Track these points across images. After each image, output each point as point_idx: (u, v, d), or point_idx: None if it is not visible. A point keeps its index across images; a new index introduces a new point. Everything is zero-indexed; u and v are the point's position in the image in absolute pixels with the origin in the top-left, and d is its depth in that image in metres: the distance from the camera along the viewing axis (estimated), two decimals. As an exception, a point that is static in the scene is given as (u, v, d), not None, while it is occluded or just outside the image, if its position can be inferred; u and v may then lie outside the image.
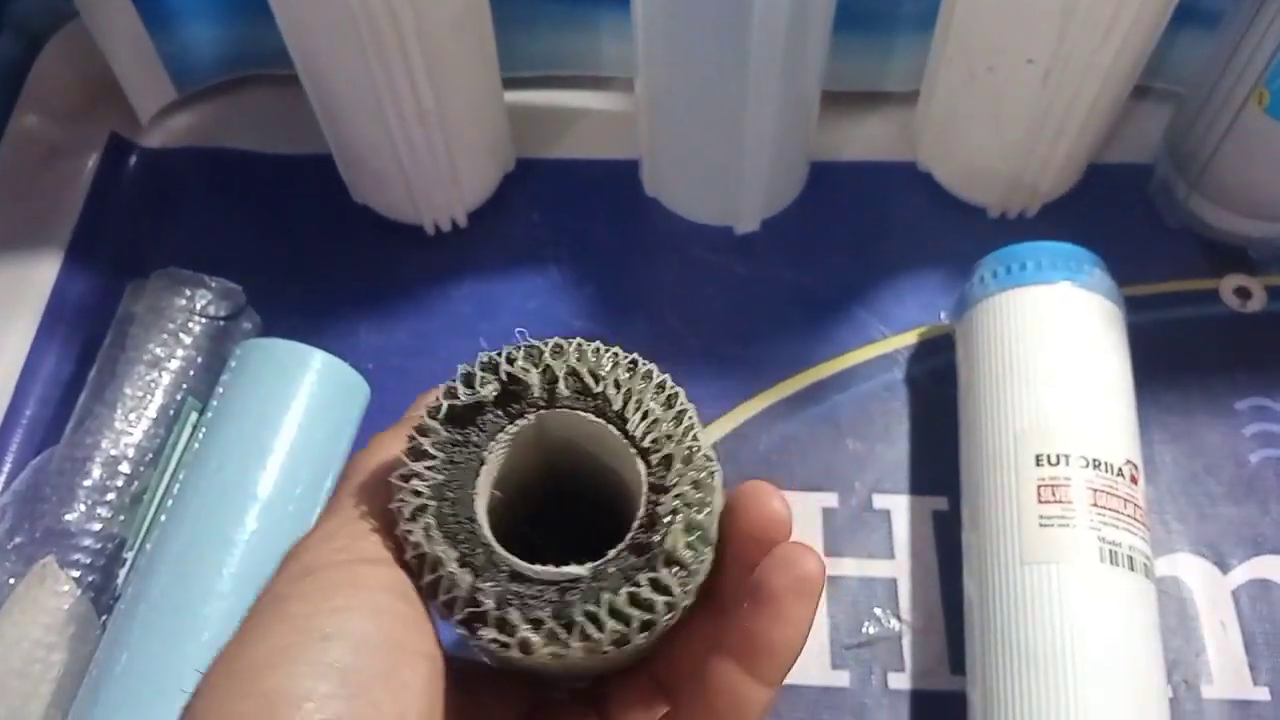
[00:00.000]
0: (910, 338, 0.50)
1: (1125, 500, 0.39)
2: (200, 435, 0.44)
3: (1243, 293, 0.50)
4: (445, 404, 0.23)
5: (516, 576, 0.22)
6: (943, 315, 0.50)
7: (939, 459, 0.46)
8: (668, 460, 0.23)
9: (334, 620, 0.20)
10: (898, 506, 0.46)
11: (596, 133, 0.57)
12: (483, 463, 0.23)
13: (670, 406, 0.23)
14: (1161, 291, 0.51)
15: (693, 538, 0.22)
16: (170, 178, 0.57)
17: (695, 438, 0.23)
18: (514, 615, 0.21)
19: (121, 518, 0.43)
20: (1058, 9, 0.41)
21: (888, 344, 0.50)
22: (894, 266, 0.52)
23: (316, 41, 0.45)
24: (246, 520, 0.41)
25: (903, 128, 0.55)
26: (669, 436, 0.23)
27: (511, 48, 0.52)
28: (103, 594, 0.42)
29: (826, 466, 0.47)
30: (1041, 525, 0.39)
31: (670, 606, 0.22)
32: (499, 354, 0.24)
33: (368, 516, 0.23)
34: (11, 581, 0.41)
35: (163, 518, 0.43)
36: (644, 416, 0.23)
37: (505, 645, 0.21)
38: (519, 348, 0.24)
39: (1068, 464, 0.39)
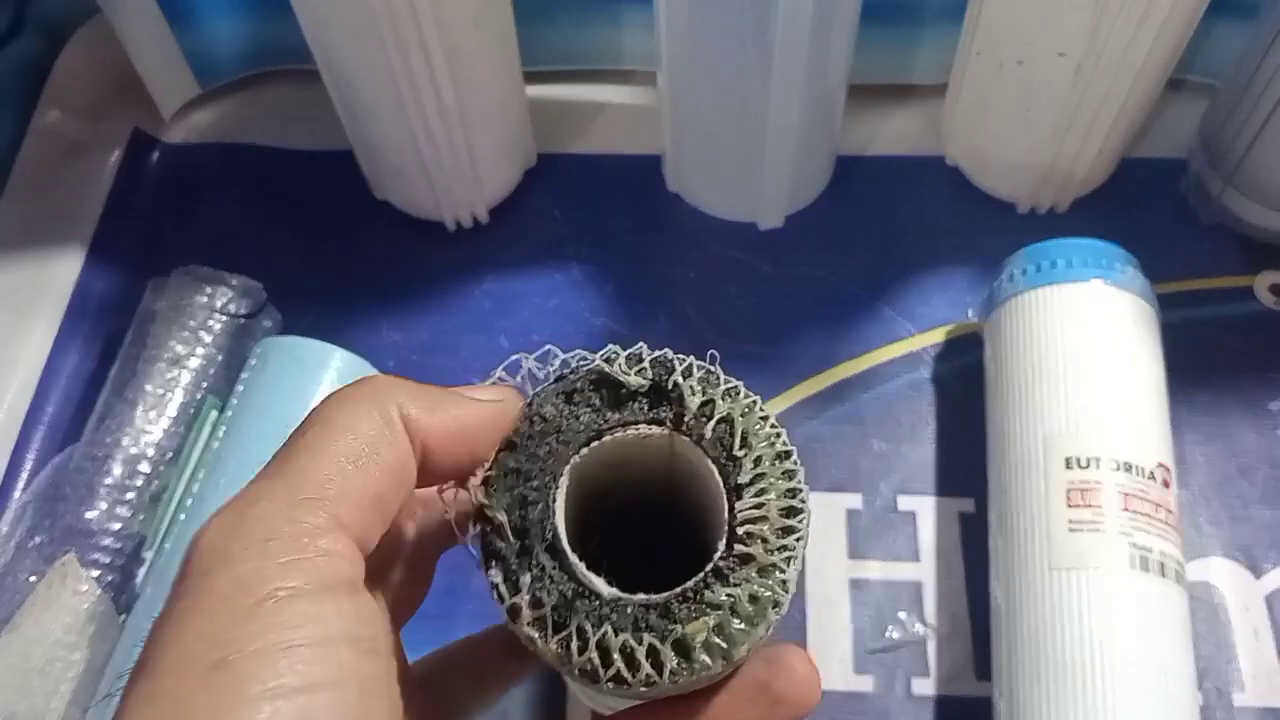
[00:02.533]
0: (937, 336, 0.49)
1: (1157, 505, 0.38)
2: (220, 434, 0.44)
3: (1278, 290, 0.49)
4: (582, 370, 0.23)
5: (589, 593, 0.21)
6: (970, 313, 0.49)
7: (966, 460, 0.45)
8: (755, 539, 0.22)
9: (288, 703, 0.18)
10: (923, 508, 0.45)
11: (618, 127, 0.56)
12: (577, 453, 0.23)
13: (791, 496, 0.22)
14: (1194, 289, 0.49)
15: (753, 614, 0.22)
16: (192, 173, 0.57)
17: (798, 540, 0.22)
18: (611, 639, 0.21)
19: (141, 516, 0.43)
20: (1090, 1, 0.40)
21: (914, 342, 0.49)
22: (921, 263, 0.51)
23: (337, 37, 0.45)
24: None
25: (931, 121, 0.54)
26: (771, 528, 0.22)
27: (533, 41, 0.51)
28: (122, 593, 0.42)
29: (851, 467, 0.46)
30: (1071, 530, 0.38)
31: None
32: (669, 360, 0.23)
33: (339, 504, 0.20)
34: (33, 580, 0.42)
35: (182, 516, 0.42)
36: (758, 506, 0.22)
37: (597, 671, 0.21)
38: (682, 359, 0.23)
39: (1098, 467, 0.39)
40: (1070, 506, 0.38)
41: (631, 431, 0.23)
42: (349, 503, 0.20)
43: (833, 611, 0.43)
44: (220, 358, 0.46)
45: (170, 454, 0.44)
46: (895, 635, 0.43)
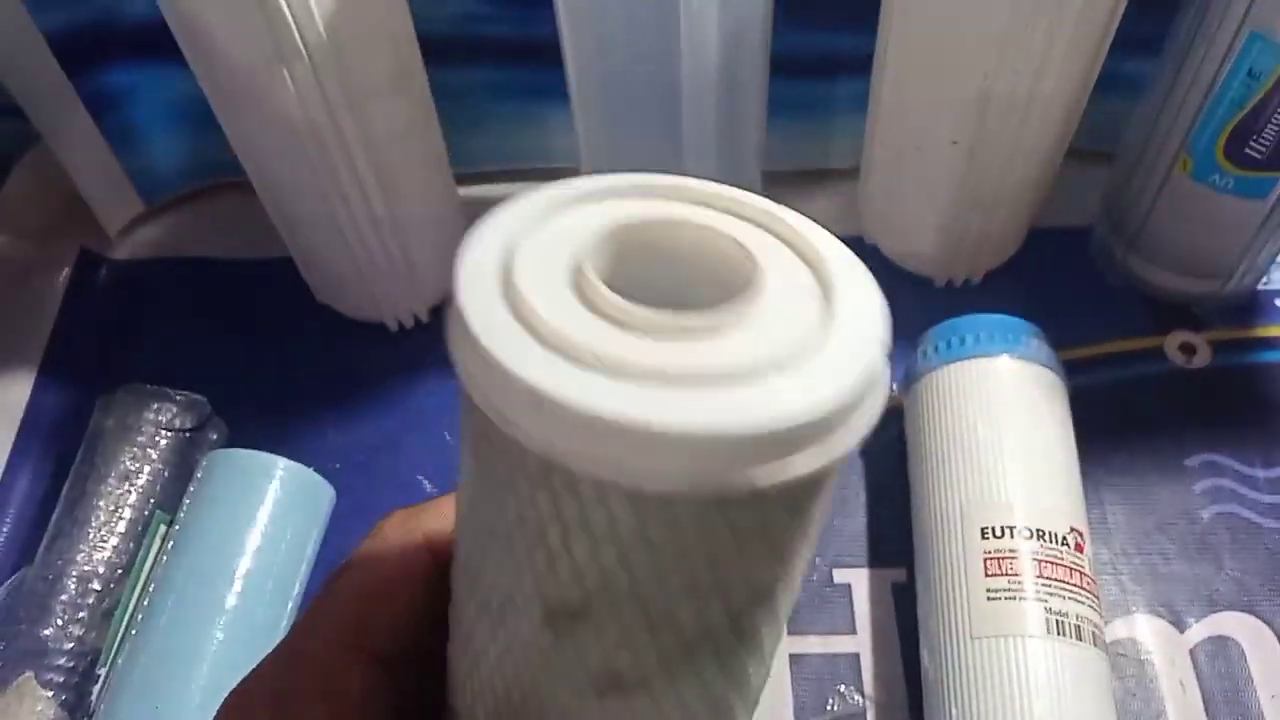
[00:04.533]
0: (864, 410, 0.51)
1: (1071, 569, 0.40)
2: (168, 548, 0.45)
3: (1187, 349, 0.51)
4: None
5: None
6: (894, 387, 0.51)
7: (896, 531, 0.46)
8: None
9: None
10: (858, 580, 0.47)
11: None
12: None
13: None
14: (1107, 352, 0.52)
15: None
16: (139, 288, 0.58)
17: None
18: None
19: (94, 633, 0.44)
20: (974, 94, 0.43)
21: (842, 417, 0.51)
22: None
23: (267, 158, 0.47)
24: (214, 631, 0.42)
25: (848, 203, 0.57)
26: None
27: (464, 146, 0.54)
28: (77, 710, 0.43)
29: (786, 543, 0.47)
30: (989, 598, 0.39)
31: None
32: None
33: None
34: (-10, 701, 0.42)
35: (133, 632, 0.43)
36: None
37: None
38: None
39: (1012, 536, 0.40)
40: (988, 575, 0.40)
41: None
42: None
43: (774, 686, 0.44)
44: (167, 472, 0.47)
45: (120, 570, 0.45)
46: (836, 708, 0.44)
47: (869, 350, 0.16)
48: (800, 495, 0.17)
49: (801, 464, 0.15)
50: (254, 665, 0.21)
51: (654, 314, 0.15)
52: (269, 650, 0.22)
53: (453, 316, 0.16)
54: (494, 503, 0.17)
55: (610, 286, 0.16)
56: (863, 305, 0.17)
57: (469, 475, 0.18)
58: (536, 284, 0.16)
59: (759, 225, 0.18)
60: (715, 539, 0.16)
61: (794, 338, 0.16)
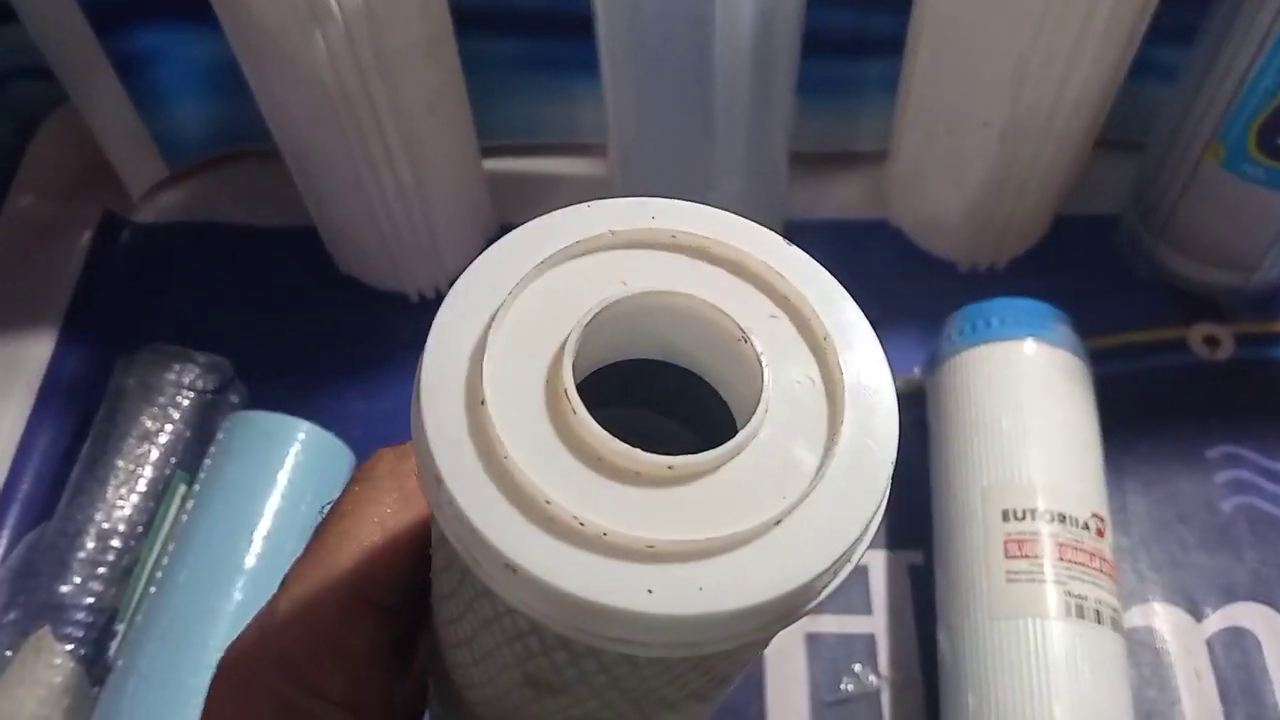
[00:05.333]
0: (885, 392, 0.51)
1: (1091, 554, 0.40)
2: (189, 508, 0.45)
3: (1211, 341, 0.51)
4: None
5: None
6: (917, 370, 0.51)
7: (915, 513, 0.46)
8: None
9: None
10: (875, 561, 0.47)
11: (575, 197, 0.57)
12: None
13: None
14: (1131, 341, 0.51)
15: None
16: (161, 252, 0.58)
17: None
18: None
19: (113, 590, 0.44)
20: (1008, 75, 0.42)
21: (863, 399, 0.51)
22: (870, 322, 0.53)
23: (296, 122, 0.47)
24: (233, 592, 0.42)
25: (874, 186, 0.56)
26: None
27: (491, 118, 0.53)
28: (95, 665, 0.43)
29: (804, 523, 0.47)
30: (1009, 580, 0.39)
31: None
32: None
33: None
34: (8, 654, 0.42)
35: (152, 590, 0.44)
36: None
37: None
38: None
39: (1034, 519, 0.40)
40: (1008, 557, 0.40)
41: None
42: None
43: (789, 665, 0.44)
44: (188, 433, 0.47)
45: (141, 528, 0.45)
46: (850, 688, 0.44)
47: (866, 503, 0.15)
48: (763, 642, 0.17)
49: (769, 632, 0.15)
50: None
51: (637, 457, 0.15)
52: None
53: (416, 427, 0.15)
54: (469, 603, 0.17)
55: (586, 351, 0.15)
56: (871, 416, 0.16)
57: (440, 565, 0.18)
58: (509, 401, 0.15)
59: (759, 288, 0.17)
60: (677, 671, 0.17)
61: (787, 482, 0.15)
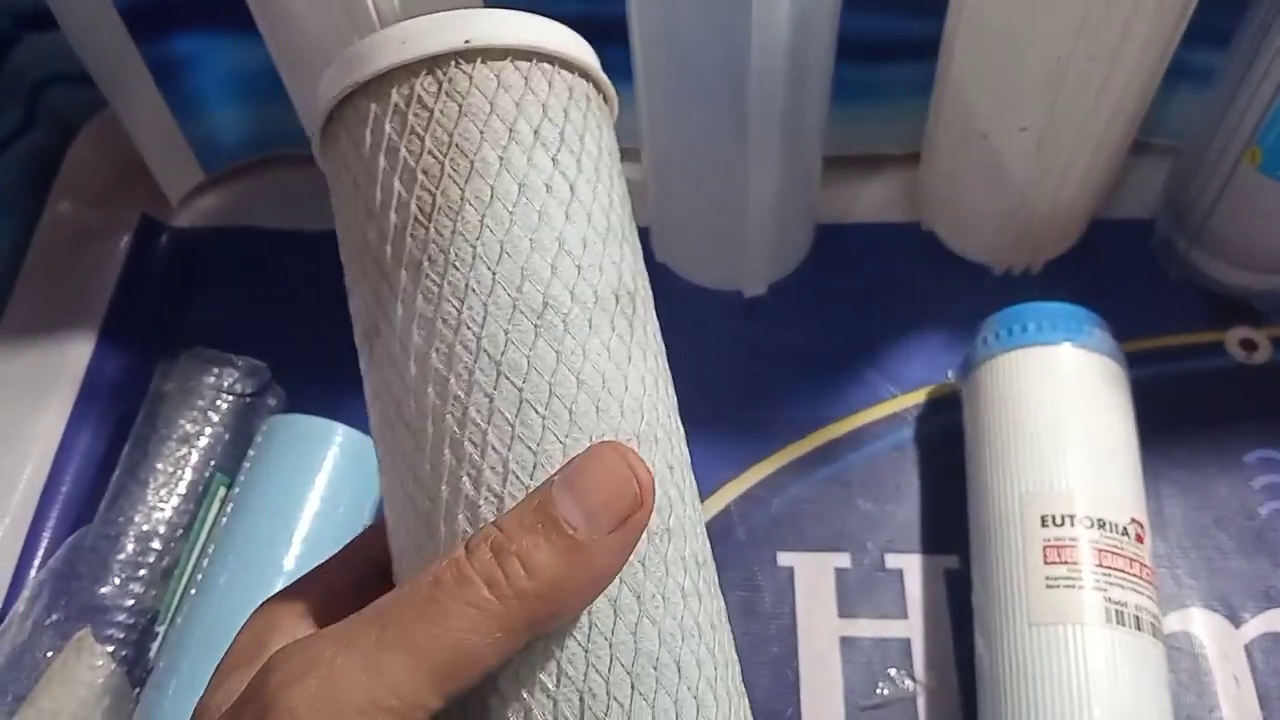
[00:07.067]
0: (919, 397, 0.51)
1: (1131, 560, 0.40)
2: (228, 510, 0.45)
3: (1248, 344, 0.51)
4: None
5: None
6: (950, 374, 0.51)
7: (950, 518, 0.46)
8: None
9: None
10: (910, 566, 0.47)
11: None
12: None
13: None
14: (1167, 345, 0.51)
15: None
16: (199, 256, 0.59)
17: None
18: None
19: (154, 592, 0.45)
20: (1046, 80, 0.42)
21: (897, 403, 0.51)
22: (902, 326, 0.53)
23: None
24: (272, 593, 0.42)
25: (906, 189, 0.56)
26: None
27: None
28: (136, 666, 0.44)
29: (839, 526, 0.47)
30: (1048, 586, 0.39)
31: None
32: None
33: None
34: (50, 656, 0.43)
35: (192, 591, 0.44)
36: None
37: None
38: None
39: (1073, 525, 0.40)
40: (1047, 563, 0.40)
41: None
42: None
43: (824, 669, 0.44)
44: (227, 436, 0.48)
45: (181, 530, 0.46)
46: (885, 692, 0.44)
47: None
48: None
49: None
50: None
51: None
52: None
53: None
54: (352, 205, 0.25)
55: None
56: None
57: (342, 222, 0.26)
58: None
59: None
60: None
61: None
